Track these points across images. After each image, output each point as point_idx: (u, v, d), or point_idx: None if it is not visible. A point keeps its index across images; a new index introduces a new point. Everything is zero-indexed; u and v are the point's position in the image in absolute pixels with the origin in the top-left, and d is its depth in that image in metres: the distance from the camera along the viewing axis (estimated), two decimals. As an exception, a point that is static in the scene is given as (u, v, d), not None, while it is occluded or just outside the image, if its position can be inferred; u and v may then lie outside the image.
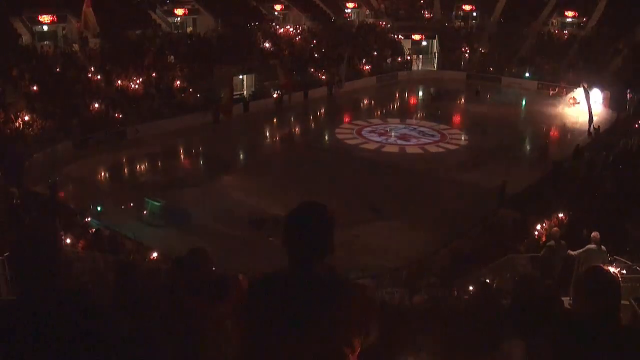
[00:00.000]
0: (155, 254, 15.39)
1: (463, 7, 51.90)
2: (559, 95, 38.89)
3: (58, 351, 2.25)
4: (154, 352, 3.32)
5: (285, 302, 2.22)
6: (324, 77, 40.29)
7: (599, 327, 2.60)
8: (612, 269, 6.42)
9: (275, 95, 37.00)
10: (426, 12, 53.09)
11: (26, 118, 26.67)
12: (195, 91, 33.88)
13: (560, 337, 2.70)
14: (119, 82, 32.00)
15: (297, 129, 34.90)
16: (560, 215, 16.05)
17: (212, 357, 3.59)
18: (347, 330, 2.25)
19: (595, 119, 30.77)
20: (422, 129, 32.79)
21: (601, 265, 3.08)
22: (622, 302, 3.01)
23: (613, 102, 35.20)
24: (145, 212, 20.74)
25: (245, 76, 38.05)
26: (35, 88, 28.93)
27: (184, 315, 3.62)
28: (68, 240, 14.79)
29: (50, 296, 2.30)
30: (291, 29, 45.35)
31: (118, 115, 29.91)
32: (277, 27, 44.89)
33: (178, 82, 33.90)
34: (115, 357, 2.37)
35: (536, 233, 16.01)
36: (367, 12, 51.88)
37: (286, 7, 47.82)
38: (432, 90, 41.45)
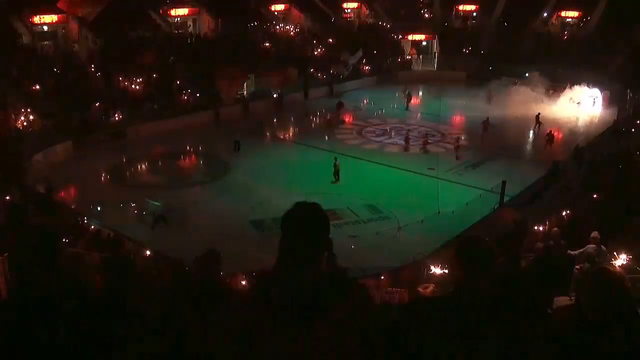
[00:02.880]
0: (150, 253, 15.32)
1: (463, 7, 51.86)
2: (559, 95, 38.78)
3: (57, 350, 2.25)
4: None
5: (292, 302, 2.22)
6: (324, 76, 40.25)
7: (608, 332, 2.45)
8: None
9: (275, 96, 37.04)
10: (426, 12, 53.04)
11: (27, 117, 26.66)
12: (195, 91, 33.85)
13: (567, 341, 2.56)
14: (119, 82, 31.97)
15: (297, 129, 34.82)
16: (561, 215, 16.00)
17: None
18: (349, 330, 2.25)
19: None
20: (422, 128, 32.80)
21: (607, 266, 2.87)
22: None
23: (613, 102, 35.17)
24: (145, 212, 20.73)
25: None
26: (35, 88, 28.90)
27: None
28: (67, 240, 14.75)
29: (49, 296, 2.30)
30: (291, 29, 45.31)
31: (118, 115, 29.88)
32: (277, 27, 44.87)
33: (178, 82, 33.87)
34: (112, 355, 2.37)
35: (536, 233, 15.95)
36: (367, 12, 51.85)
37: (286, 7, 47.79)
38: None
